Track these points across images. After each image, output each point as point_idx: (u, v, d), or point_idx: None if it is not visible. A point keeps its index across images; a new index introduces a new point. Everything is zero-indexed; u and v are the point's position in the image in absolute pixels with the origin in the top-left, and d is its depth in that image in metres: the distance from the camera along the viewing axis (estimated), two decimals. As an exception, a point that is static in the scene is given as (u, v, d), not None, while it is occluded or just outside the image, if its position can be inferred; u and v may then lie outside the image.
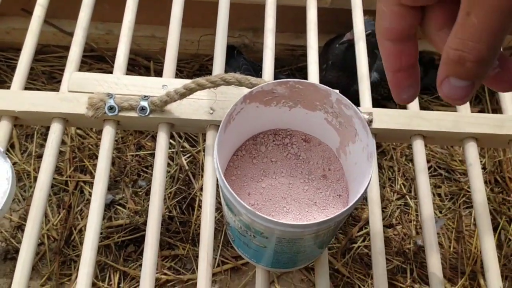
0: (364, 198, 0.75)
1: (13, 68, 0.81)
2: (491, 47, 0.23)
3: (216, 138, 0.37)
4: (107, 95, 0.53)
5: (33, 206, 0.50)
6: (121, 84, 0.55)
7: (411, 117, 0.56)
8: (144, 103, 0.53)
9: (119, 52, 0.58)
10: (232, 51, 0.77)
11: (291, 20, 0.74)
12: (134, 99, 0.54)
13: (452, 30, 0.24)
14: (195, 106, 0.54)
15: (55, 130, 0.54)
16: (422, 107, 0.62)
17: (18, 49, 0.81)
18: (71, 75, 0.55)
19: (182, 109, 0.54)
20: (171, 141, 0.76)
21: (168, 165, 0.73)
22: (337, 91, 0.39)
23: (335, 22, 0.75)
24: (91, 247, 0.49)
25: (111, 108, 0.53)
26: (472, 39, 0.23)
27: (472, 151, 0.55)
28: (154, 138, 0.79)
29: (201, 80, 0.49)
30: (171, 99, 0.52)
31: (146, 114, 0.53)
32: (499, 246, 0.73)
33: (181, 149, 0.77)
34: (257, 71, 0.75)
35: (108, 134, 0.54)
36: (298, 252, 0.40)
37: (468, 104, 0.58)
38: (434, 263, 0.50)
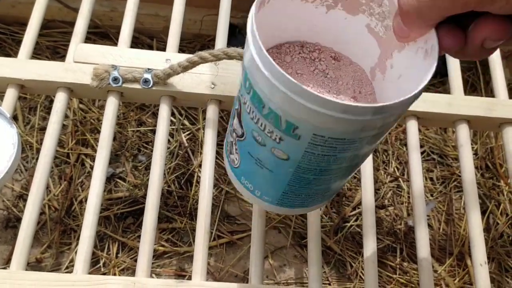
0: (357, 178, 0.77)
1: (18, 42, 0.82)
2: None
3: (251, 13, 0.32)
4: (112, 66, 0.55)
5: (38, 171, 0.51)
6: (125, 57, 0.56)
7: (406, 98, 0.57)
8: (148, 76, 0.55)
9: (124, 27, 0.60)
10: (233, 30, 0.78)
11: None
12: (138, 71, 0.55)
13: None
14: (197, 80, 0.56)
15: (60, 100, 0.55)
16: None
17: (23, 23, 0.83)
18: (77, 46, 0.57)
19: (184, 83, 0.55)
20: (171, 118, 0.78)
21: (168, 141, 0.74)
22: None
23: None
24: (94, 207, 0.51)
25: (115, 79, 0.55)
26: None
27: (463, 133, 0.57)
28: (154, 115, 0.80)
29: (203, 53, 0.51)
30: (174, 72, 0.53)
31: (149, 86, 0.55)
32: (487, 229, 0.76)
33: (181, 127, 0.78)
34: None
35: (111, 105, 0.55)
36: (324, 171, 0.34)
37: (462, 87, 0.60)
38: (422, 237, 0.52)
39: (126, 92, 0.56)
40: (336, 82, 0.38)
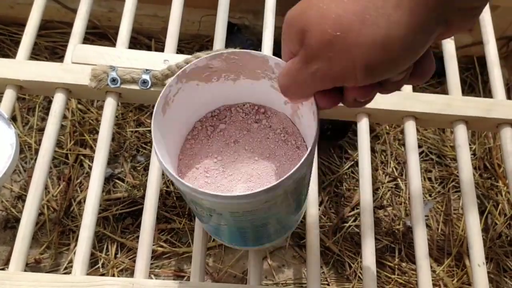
0: (356, 179, 0.77)
1: (16, 42, 0.82)
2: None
3: (152, 121, 0.36)
4: (110, 67, 0.55)
5: (36, 172, 0.51)
6: (123, 58, 0.56)
7: (405, 98, 0.58)
8: (146, 76, 0.55)
9: (122, 27, 0.60)
10: (231, 28, 0.78)
11: (290, 4, 0.75)
12: (136, 72, 0.55)
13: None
14: (195, 81, 0.56)
15: (59, 100, 0.55)
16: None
17: (21, 24, 0.83)
18: (75, 47, 0.57)
19: (183, 84, 0.55)
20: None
21: (167, 141, 0.74)
22: (273, 56, 0.38)
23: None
24: (93, 207, 0.50)
25: (113, 80, 0.55)
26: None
27: (461, 133, 0.58)
28: (153, 115, 0.80)
29: (201, 54, 0.51)
30: (172, 73, 0.53)
31: (148, 87, 0.55)
32: (485, 229, 0.76)
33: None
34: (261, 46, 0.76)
35: (110, 106, 0.55)
36: (263, 225, 0.39)
37: (460, 88, 0.60)
38: (420, 237, 0.52)
39: (125, 93, 0.56)
40: (269, 129, 0.42)
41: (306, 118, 0.39)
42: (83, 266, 0.48)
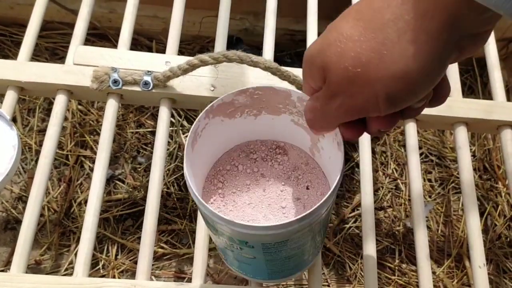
0: (357, 181, 0.77)
1: (16, 43, 0.82)
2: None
3: (184, 157, 0.37)
4: (112, 69, 0.55)
5: (38, 173, 0.51)
6: (125, 59, 0.56)
7: (405, 100, 0.58)
8: (148, 78, 0.55)
9: (124, 29, 0.60)
10: (231, 39, 0.78)
11: (291, 5, 0.75)
12: (137, 74, 0.55)
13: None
14: (197, 83, 0.56)
15: (60, 102, 0.55)
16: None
17: (21, 25, 0.83)
18: (77, 48, 0.57)
19: (184, 85, 0.56)
20: (171, 119, 0.77)
21: (167, 143, 0.74)
22: (296, 89, 0.39)
23: (334, 8, 0.76)
24: (94, 209, 0.50)
25: (115, 82, 0.55)
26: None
27: (462, 135, 0.58)
28: (153, 116, 0.80)
29: (204, 56, 0.51)
30: (174, 75, 0.53)
31: (149, 88, 0.55)
32: (485, 231, 0.76)
33: (180, 128, 0.78)
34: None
35: (111, 107, 0.55)
36: (290, 257, 0.40)
37: (460, 89, 0.60)
38: (421, 238, 0.52)
39: (126, 94, 0.56)
40: (287, 166, 0.44)
41: (328, 150, 0.40)
42: (85, 267, 0.48)
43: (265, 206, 0.42)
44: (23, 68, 0.55)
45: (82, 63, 0.56)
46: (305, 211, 0.38)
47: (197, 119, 0.38)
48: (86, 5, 0.61)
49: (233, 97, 0.39)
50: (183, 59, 0.56)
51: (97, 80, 0.54)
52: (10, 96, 0.55)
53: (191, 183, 0.35)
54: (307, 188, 0.43)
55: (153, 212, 0.51)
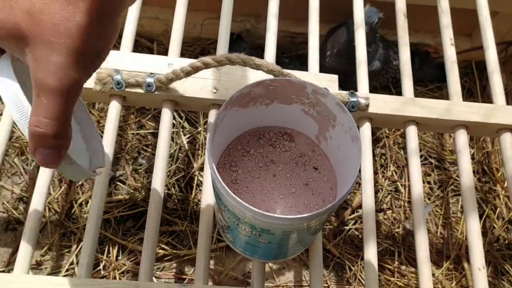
0: (357, 183, 0.77)
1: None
2: (62, 123, 0.29)
3: (207, 150, 0.38)
4: (115, 70, 0.55)
5: (41, 175, 0.51)
6: (128, 61, 0.57)
7: (406, 103, 0.58)
8: (150, 80, 0.55)
9: (126, 31, 0.60)
10: (231, 36, 0.79)
11: (292, 8, 0.76)
12: (140, 76, 0.55)
13: (31, 110, 0.28)
14: (199, 85, 0.56)
15: (63, 103, 0.55)
16: (416, 96, 0.64)
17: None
18: (80, 50, 0.57)
19: (187, 88, 0.56)
20: (173, 121, 0.78)
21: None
22: (311, 82, 0.40)
23: (335, 11, 0.77)
24: (97, 210, 0.51)
25: (118, 84, 0.55)
26: (47, 118, 0.28)
27: (462, 138, 0.58)
28: (155, 118, 0.81)
29: (207, 59, 0.51)
30: (176, 77, 0.54)
31: (152, 90, 0.55)
32: (484, 233, 0.76)
33: (181, 129, 0.79)
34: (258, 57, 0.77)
35: (114, 109, 0.56)
36: (300, 240, 0.42)
37: (460, 93, 0.60)
38: (421, 241, 0.52)
39: (129, 96, 0.56)
40: (294, 152, 0.46)
41: (337, 140, 0.42)
42: (88, 269, 0.48)
43: (276, 192, 0.43)
44: (26, 69, 0.56)
45: (85, 65, 0.56)
46: (314, 197, 0.42)
47: (217, 112, 0.39)
48: (88, 7, 0.61)
49: (250, 89, 0.40)
50: (186, 61, 0.56)
51: (100, 82, 0.55)
52: (13, 98, 0.55)
53: (220, 178, 0.36)
54: (315, 168, 0.44)
55: (156, 213, 0.51)
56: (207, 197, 0.52)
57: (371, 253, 0.52)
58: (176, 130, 0.78)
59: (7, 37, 0.28)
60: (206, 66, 0.51)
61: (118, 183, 0.75)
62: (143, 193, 0.74)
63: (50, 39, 0.27)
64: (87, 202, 0.73)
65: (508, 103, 0.86)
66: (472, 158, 0.82)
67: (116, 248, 0.70)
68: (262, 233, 0.39)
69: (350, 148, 0.39)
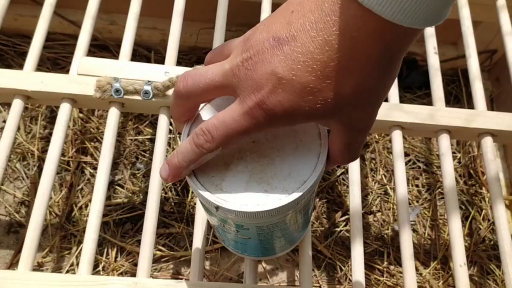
0: (347, 186, 0.80)
1: (19, 53, 0.85)
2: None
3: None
4: (114, 79, 0.58)
5: (43, 178, 0.54)
6: (126, 70, 0.60)
7: (392, 109, 0.61)
8: (148, 88, 0.58)
9: (125, 41, 0.63)
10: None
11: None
12: (138, 84, 0.58)
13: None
14: (194, 92, 0.59)
15: (64, 110, 0.58)
16: (402, 102, 0.67)
17: (24, 35, 0.86)
18: (81, 59, 0.60)
19: (182, 95, 0.59)
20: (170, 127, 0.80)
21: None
22: None
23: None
24: (97, 211, 0.53)
25: (117, 91, 0.58)
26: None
27: (445, 142, 0.61)
28: (152, 124, 0.83)
29: (201, 67, 0.54)
30: (172, 84, 0.57)
31: (149, 97, 0.58)
32: (470, 234, 0.79)
33: (178, 135, 0.81)
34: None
35: (113, 115, 0.58)
36: (284, 236, 0.42)
37: (443, 99, 0.63)
38: (406, 239, 0.55)
39: (127, 103, 0.59)
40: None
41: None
42: (89, 266, 0.50)
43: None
44: (29, 77, 0.58)
45: (86, 73, 0.59)
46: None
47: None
48: (89, 18, 0.64)
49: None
50: (182, 70, 0.59)
51: (100, 89, 0.58)
52: (17, 104, 0.58)
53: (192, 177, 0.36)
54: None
55: (153, 213, 0.54)
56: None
57: (358, 250, 0.54)
58: (173, 136, 0.81)
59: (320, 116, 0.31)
60: (201, 74, 0.54)
61: (117, 187, 0.78)
62: (141, 197, 0.76)
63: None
64: (86, 206, 0.75)
65: (493, 108, 0.89)
66: (459, 162, 0.85)
67: (115, 249, 0.73)
68: (238, 229, 0.38)
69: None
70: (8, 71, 0.59)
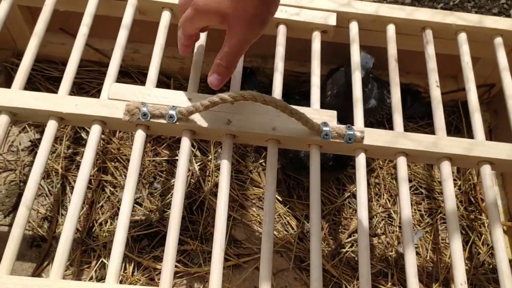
0: (353, 209, 0.84)
1: (46, 78, 0.91)
2: (233, 62, 0.57)
3: None
4: (142, 103, 0.63)
5: (75, 193, 0.58)
6: (153, 95, 0.65)
7: (397, 137, 0.66)
8: (172, 112, 0.63)
9: (151, 69, 0.68)
10: (244, 71, 0.87)
11: (296, 50, 0.85)
12: (164, 108, 0.63)
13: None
14: (215, 117, 0.64)
15: (95, 131, 0.63)
16: (406, 130, 0.71)
17: (51, 61, 0.92)
18: (111, 85, 0.65)
19: (204, 119, 0.64)
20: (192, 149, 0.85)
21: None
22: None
23: (334, 54, 0.86)
24: (124, 225, 0.57)
25: (144, 115, 0.63)
26: (224, 58, 0.56)
27: (446, 169, 0.66)
28: (169, 146, 0.88)
29: (223, 95, 0.59)
30: (196, 110, 0.62)
31: (174, 121, 0.63)
32: (470, 258, 0.83)
33: (194, 157, 0.86)
34: (269, 92, 0.85)
35: (140, 137, 0.63)
36: None
37: (445, 129, 0.68)
38: (410, 258, 0.59)
39: (153, 126, 0.64)
40: None
41: None
42: (115, 276, 0.54)
43: None
44: (64, 101, 0.63)
45: (116, 98, 0.64)
46: None
47: None
48: (118, 47, 0.69)
49: None
50: (204, 97, 0.64)
51: (129, 113, 0.62)
52: (52, 125, 0.63)
53: None
54: None
55: (175, 231, 0.58)
56: (220, 217, 0.59)
57: (364, 269, 0.58)
58: (190, 158, 0.85)
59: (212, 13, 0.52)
60: (223, 101, 0.60)
61: (135, 205, 0.82)
62: (158, 215, 0.81)
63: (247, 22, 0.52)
64: (106, 222, 0.80)
65: (492, 139, 0.94)
66: (459, 189, 0.90)
67: (132, 264, 0.76)
68: None
69: None
70: (44, 94, 0.64)
